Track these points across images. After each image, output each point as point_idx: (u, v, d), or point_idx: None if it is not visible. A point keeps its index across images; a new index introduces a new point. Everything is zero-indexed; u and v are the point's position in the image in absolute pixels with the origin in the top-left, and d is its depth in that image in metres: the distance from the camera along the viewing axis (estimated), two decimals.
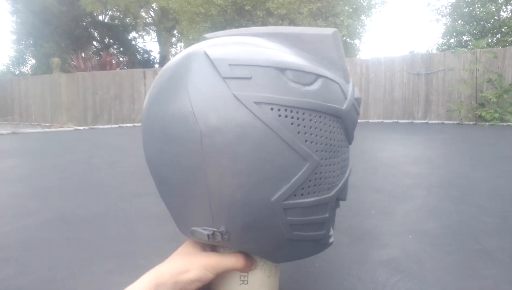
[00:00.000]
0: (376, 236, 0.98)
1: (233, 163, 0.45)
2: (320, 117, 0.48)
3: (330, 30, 0.53)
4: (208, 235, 0.50)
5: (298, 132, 0.46)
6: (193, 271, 0.50)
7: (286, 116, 0.46)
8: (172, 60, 0.53)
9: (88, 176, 1.83)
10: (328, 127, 0.49)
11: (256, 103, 0.45)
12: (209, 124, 0.45)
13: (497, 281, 0.73)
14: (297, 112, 0.46)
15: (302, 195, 0.48)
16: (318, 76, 0.49)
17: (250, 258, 0.56)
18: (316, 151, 0.48)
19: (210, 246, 0.57)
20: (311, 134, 0.47)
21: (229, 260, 0.53)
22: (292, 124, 0.46)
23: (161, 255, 0.87)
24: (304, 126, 0.47)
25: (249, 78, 0.45)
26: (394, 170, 1.88)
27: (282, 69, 0.47)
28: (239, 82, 0.45)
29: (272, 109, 0.45)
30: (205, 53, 0.47)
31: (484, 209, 1.20)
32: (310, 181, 0.48)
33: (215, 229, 0.50)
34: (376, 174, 1.81)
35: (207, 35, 0.59)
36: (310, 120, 0.47)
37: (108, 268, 0.80)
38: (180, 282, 0.49)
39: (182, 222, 0.55)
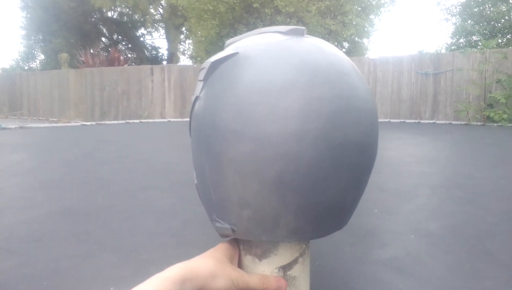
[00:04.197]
0: (378, 235, 0.98)
1: None
2: None
3: None
4: None
5: None
6: (221, 279, 0.49)
7: None
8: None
9: (93, 171, 1.84)
10: None
11: None
12: None
13: (499, 282, 0.73)
14: None
15: None
16: None
17: (277, 280, 0.55)
18: None
19: (237, 257, 0.57)
20: None
21: (254, 280, 0.53)
22: None
23: (164, 250, 0.88)
24: None
25: None
26: (399, 170, 1.88)
27: None
28: None
29: None
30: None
31: (488, 210, 1.19)
32: None
33: None
34: (380, 173, 1.80)
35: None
36: None
37: (110, 262, 0.81)
38: (206, 285, 0.48)
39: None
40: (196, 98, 0.55)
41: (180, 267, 0.48)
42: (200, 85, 0.55)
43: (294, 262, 0.56)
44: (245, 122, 0.47)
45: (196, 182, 0.59)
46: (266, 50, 0.52)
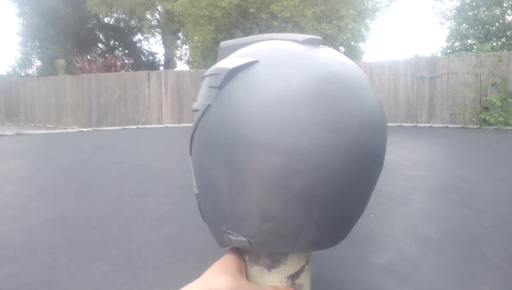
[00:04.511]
0: (374, 240, 0.98)
1: None
2: None
3: None
4: None
5: None
6: None
7: None
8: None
9: (90, 177, 1.83)
10: None
11: None
12: None
13: (494, 286, 0.73)
14: None
15: None
16: None
17: (286, 289, 0.55)
18: None
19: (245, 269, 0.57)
20: None
21: None
22: None
23: (159, 257, 0.88)
24: None
25: None
26: (395, 173, 1.88)
27: None
28: None
29: None
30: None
31: (483, 213, 1.19)
32: None
33: None
34: None
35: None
36: None
37: (105, 269, 0.80)
38: None
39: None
40: (208, 106, 0.52)
41: (197, 288, 0.46)
42: (213, 92, 0.52)
43: (301, 270, 0.57)
44: (274, 134, 0.46)
45: (197, 192, 0.57)
46: (289, 60, 0.50)
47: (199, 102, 0.55)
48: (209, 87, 0.53)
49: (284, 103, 0.47)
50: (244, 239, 0.51)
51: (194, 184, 0.58)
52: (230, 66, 0.51)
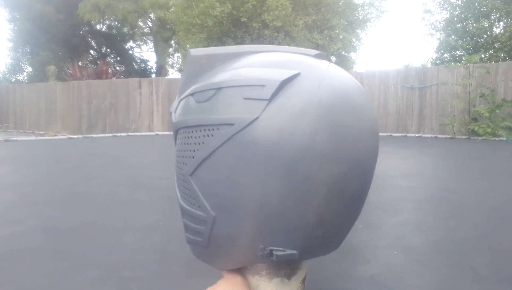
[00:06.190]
0: (361, 251, 0.98)
1: None
2: None
3: None
4: None
5: None
6: None
7: None
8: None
9: (78, 185, 1.82)
10: None
11: None
12: None
13: None
14: None
15: None
16: None
17: None
18: None
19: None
20: None
21: None
22: None
23: (146, 267, 0.87)
24: None
25: None
26: (383, 183, 1.89)
27: None
28: None
29: None
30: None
31: (471, 224, 1.20)
32: None
33: None
34: None
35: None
36: None
37: (91, 279, 0.80)
38: None
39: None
40: (255, 120, 0.48)
41: None
42: (258, 104, 0.48)
43: (306, 272, 0.59)
44: (339, 144, 0.47)
45: (213, 214, 0.51)
46: (324, 73, 0.51)
47: (229, 115, 0.49)
48: (247, 99, 0.49)
49: (343, 113, 0.49)
50: (294, 251, 0.50)
51: (207, 206, 0.52)
52: (280, 78, 0.49)
